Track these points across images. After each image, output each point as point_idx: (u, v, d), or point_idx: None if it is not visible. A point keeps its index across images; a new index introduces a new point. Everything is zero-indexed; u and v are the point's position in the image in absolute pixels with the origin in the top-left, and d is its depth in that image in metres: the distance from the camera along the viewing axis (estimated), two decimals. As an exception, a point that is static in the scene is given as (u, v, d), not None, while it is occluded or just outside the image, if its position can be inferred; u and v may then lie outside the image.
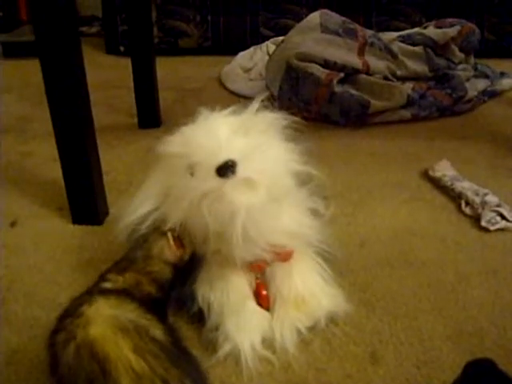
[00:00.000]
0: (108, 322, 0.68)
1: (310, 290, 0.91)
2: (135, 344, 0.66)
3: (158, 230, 0.87)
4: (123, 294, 0.77)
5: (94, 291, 0.78)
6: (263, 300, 0.90)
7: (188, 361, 0.74)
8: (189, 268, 0.88)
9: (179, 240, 0.86)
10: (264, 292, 0.91)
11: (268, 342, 0.87)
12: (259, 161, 0.84)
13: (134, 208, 0.91)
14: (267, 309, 0.90)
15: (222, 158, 0.82)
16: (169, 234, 0.85)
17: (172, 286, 0.85)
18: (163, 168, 0.91)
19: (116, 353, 0.65)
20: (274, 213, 0.85)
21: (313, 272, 0.93)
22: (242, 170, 0.81)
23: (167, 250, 0.85)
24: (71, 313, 0.72)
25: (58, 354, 0.68)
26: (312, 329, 0.89)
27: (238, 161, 0.82)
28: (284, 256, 0.90)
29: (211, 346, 0.86)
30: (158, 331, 0.71)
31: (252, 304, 0.90)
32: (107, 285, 0.79)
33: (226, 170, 0.81)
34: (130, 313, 0.72)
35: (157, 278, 0.83)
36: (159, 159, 0.92)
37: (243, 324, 0.86)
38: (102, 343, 0.65)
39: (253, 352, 0.84)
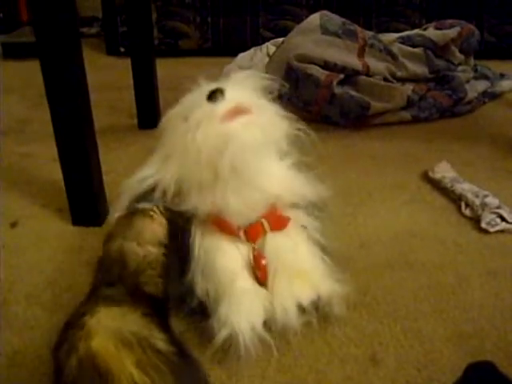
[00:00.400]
0: (110, 335, 0.68)
1: (313, 262, 0.90)
2: (138, 358, 0.66)
3: (137, 213, 0.87)
4: (125, 301, 0.76)
5: (96, 299, 0.77)
6: (262, 271, 0.88)
7: (191, 372, 0.73)
8: (179, 246, 0.87)
9: (163, 215, 0.86)
10: (263, 262, 0.88)
11: (268, 324, 0.85)
12: (248, 89, 0.91)
13: (136, 178, 0.94)
14: (265, 280, 0.88)
15: (211, 87, 0.89)
16: (153, 213, 0.85)
17: (167, 275, 0.84)
18: (164, 133, 0.95)
19: (118, 367, 0.64)
20: (265, 156, 0.88)
21: (313, 247, 0.93)
22: (231, 95, 0.88)
23: (158, 228, 0.84)
24: (73, 324, 0.71)
25: (62, 366, 0.67)
26: (314, 305, 0.88)
27: (226, 87, 0.89)
28: (280, 221, 0.89)
29: (213, 347, 0.84)
30: (160, 342, 0.70)
31: (248, 284, 0.87)
32: (109, 292, 0.78)
33: (216, 94, 0.87)
34: (132, 324, 0.71)
35: (155, 267, 0.82)
36: (162, 131, 0.96)
37: (237, 305, 0.83)
38: (104, 357, 0.65)
39: (252, 333, 0.82)
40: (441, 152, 1.55)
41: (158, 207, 0.88)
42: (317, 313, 0.89)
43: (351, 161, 1.53)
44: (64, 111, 1.12)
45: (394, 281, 1.03)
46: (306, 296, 0.87)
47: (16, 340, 0.90)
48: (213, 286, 0.86)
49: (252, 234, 0.89)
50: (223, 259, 0.88)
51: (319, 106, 1.75)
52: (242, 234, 0.88)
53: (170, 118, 0.95)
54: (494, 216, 1.19)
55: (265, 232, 0.89)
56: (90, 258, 1.10)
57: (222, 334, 0.82)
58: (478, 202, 1.22)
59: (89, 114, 1.17)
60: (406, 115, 1.79)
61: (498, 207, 1.20)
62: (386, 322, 0.93)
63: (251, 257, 0.89)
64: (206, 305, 0.87)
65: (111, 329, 0.69)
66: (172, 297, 0.89)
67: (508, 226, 1.17)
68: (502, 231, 1.17)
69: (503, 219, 1.18)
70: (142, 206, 0.89)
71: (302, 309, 0.87)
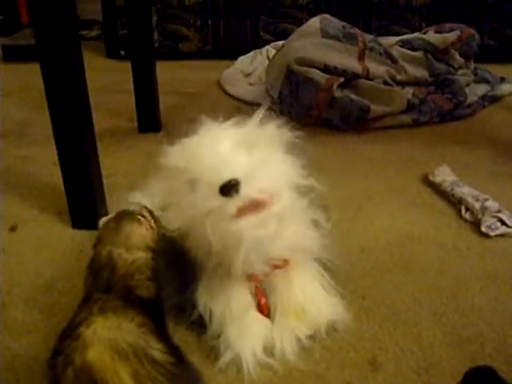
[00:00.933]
0: (106, 346, 0.67)
1: (310, 299, 0.91)
2: (134, 369, 0.65)
3: (125, 217, 0.86)
4: (120, 307, 0.75)
5: (91, 306, 0.76)
6: (263, 308, 0.90)
7: (189, 382, 0.73)
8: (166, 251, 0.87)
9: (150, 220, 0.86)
10: (263, 300, 0.90)
11: (269, 350, 0.86)
12: (263, 179, 0.82)
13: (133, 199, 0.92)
14: (267, 316, 0.90)
15: (225, 177, 0.80)
16: (141, 217, 0.85)
17: (157, 279, 0.84)
18: (163, 178, 0.91)
19: (114, 380, 0.64)
20: (277, 230, 0.84)
21: (313, 281, 0.93)
22: (245, 189, 0.80)
23: (146, 233, 0.84)
24: (69, 334, 0.71)
25: (58, 377, 0.67)
26: (312, 337, 0.89)
27: (241, 179, 0.80)
28: (281, 264, 0.89)
29: (213, 354, 0.86)
30: (157, 352, 0.70)
31: (253, 312, 0.89)
32: (103, 297, 0.78)
33: (229, 189, 0.79)
34: (128, 334, 0.70)
35: (143, 271, 0.82)
36: (159, 169, 0.91)
37: (245, 332, 0.86)
38: (100, 369, 0.64)
39: (254, 359, 0.84)
40: (441, 155, 1.55)
41: (146, 209, 0.87)
42: (315, 343, 0.89)
43: (351, 164, 1.53)
44: (64, 114, 1.12)
45: (394, 285, 1.03)
46: (302, 332, 0.88)
47: (15, 344, 0.90)
48: (219, 308, 0.88)
49: (254, 276, 0.89)
50: (238, 287, 0.89)
51: (319, 109, 1.75)
52: (244, 277, 0.88)
53: (171, 167, 0.89)
54: (494, 220, 1.18)
55: (267, 274, 0.89)
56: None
57: (227, 357, 0.84)
58: (478, 205, 1.22)
59: (89, 116, 1.17)
60: (406, 119, 1.79)
61: (499, 211, 1.20)
62: (386, 326, 0.93)
63: (253, 294, 0.90)
64: (204, 319, 0.89)
65: (107, 339, 0.68)
66: (169, 304, 0.90)
67: (508, 229, 1.17)
68: (502, 235, 1.17)
69: (503, 223, 1.18)
70: (130, 208, 0.88)
71: (300, 340, 0.88)
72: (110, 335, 0.69)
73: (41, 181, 1.44)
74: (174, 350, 0.74)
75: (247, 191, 0.80)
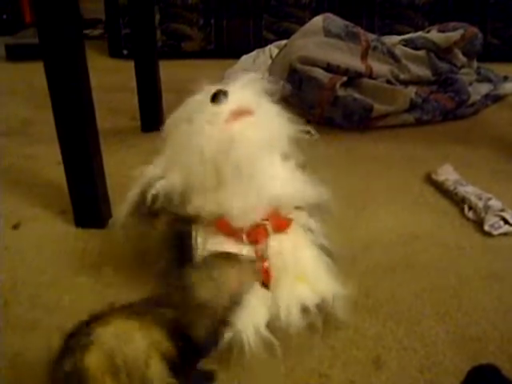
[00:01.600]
0: (106, 355, 0.64)
1: (316, 266, 0.90)
2: None
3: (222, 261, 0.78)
4: (151, 314, 0.70)
5: (127, 307, 0.71)
6: (265, 273, 0.87)
7: None
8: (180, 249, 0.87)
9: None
10: (266, 264, 0.88)
11: (272, 325, 0.84)
12: (250, 91, 0.91)
13: (140, 181, 0.94)
14: (268, 282, 0.87)
15: (214, 89, 0.89)
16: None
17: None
18: (168, 137, 0.95)
19: None
20: (269, 157, 0.88)
21: (316, 251, 0.92)
22: (234, 96, 0.89)
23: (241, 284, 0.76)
24: (90, 321, 0.68)
25: (54, 366, 0.66)
26: (318, 308, 0.87)
27: (229, 90, 0.89)
28: (282, 224, 0.89)
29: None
30: (156, 376, 0.66)
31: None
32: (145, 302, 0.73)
33: (219, 95, 0.87)
34: (133, 348, 0.66)
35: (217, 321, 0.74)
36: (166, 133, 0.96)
37: (246, 307, 0.80)
38: (92, 377, 0.63)
39: (256, 336, 0.82)
40: (444, 154, 1.55)
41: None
42: (320, 315, 0.88)
43: (354, 163, 1.53)
44: (67, 113, 1.12)
45: (397, 283, 1.03)
46: (309, 299, 0.87)
47: (17, 342, 0.90)
48: None
49: (255, 236, 0.88)
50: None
51: (322, 108, 1.75)
52: (244, 236, 0.88)
53: (174, 120, 0.95)
54: (497, 219, 1.18)
55: (268, 234, 0.89)
56: (92, 260, 1.10)
57: (227, 336, 0.81)
58: (481, 204, 1.22)
59: (92, 115, 1.17)
60: (409, 118, 1.78)
61: (502, 210, 1.20)
62: (389, 324, 0.92)
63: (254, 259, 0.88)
64: None
65: (109, 347, 0.65)
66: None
67: (511, 228, 1.17)
68: (505, 234, 1.17)
69: (506, 222, 1.18)
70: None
71: (305, 311, 0.87)
72: (115, 344, 0.66)
73: (44, 179, 1.44)
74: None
75: (236, 98, 0.89)
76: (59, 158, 1.17)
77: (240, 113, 0.88)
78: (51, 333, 0.90)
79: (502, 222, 1.18)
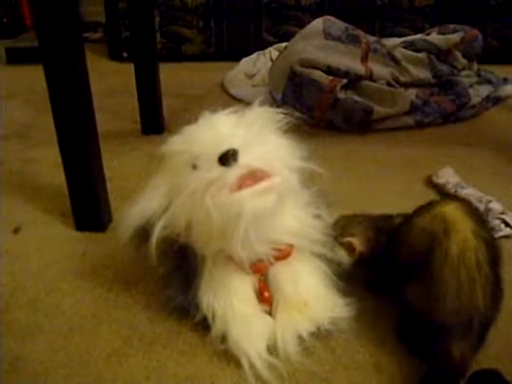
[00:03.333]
0: (458, 207, 0.82)
1: (314, 294, 0.90)
2: (474, 229, 0.79)
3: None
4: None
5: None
6: (265, 302, 0.89)
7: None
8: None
9: None
10: (266, 294, 0.89)
11: (273, 349, 0.86)
12: (261, 150, 0.83)
13: (139, 209, 0.89)
14: (269, 311, 0.89)
15: (223, 148, 0.80)
16: None
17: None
18: (167, 168, 0.90)
19: (460, 226, 0.79)
20: (278, 211, 0.85)
21: (316, 276, 0.92)
22: (244, 158, 0.81)
23: None
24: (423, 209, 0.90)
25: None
26: (315, 335, 0.88)
27: (239, 149, 0.80)
28: (283, 254, 0.89)
29: (216, 356, 0.86)
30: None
31: (257, 310, 0.89)
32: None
33: (228, 157, 0.80)
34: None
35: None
36: (163, 160, 0.91)
37: (248, 332, 0.85)
38: (452, 218, 0.80)
39: (260, 360, 0.83)
40: (444, 157, 1.55)
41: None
42: (317, 340, 0.88)
43: (354, 166, 1.53)
44: (67, 116, 1.12)
45: (398, 287, 1.02)
46: (304, 328, 0.88)
47: (18, 346, 0.90)
48: (222, 307, 0.87)
49: (258, 266, 0.88)
50: (241, 283, 0.89)
51: (322, 111, 1.75)
52: (248, 267, 0.87)
53: (173, 152, 0.88)
54: (497, 222, 1.18)
55: (269, 263, 0.88)
56: (92, 264, 1.10)
57: (232, 358, 0.84)
58: (481, 207, 1.22)
59: (92, 119, 1.17)
60: (410, 120, 1.78)
61: (502, 213, 1.20)
62: (390, 328, 0.92)
63: (256, 287, 0.90)
64: (208, 319, 0.88)
65: (460, 204, 0.85)
66: (173, 305, 0.90)
67: (512, 231, 1.17)
68: (506, 237, 1.16)
69: (507, 225, 1.17)
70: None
71: (300, 338, 0.87)
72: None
73: (44, 183, 1.44)
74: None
75: (246, 160, 0.81)
76: (59, 161, 1.16)
77: (250, 177, 0.81)
78: (51, 337, 0.91)
79: (502, 225, 1.17)
